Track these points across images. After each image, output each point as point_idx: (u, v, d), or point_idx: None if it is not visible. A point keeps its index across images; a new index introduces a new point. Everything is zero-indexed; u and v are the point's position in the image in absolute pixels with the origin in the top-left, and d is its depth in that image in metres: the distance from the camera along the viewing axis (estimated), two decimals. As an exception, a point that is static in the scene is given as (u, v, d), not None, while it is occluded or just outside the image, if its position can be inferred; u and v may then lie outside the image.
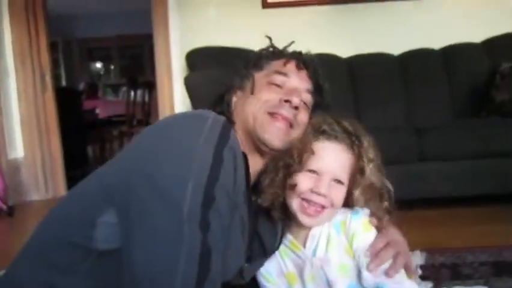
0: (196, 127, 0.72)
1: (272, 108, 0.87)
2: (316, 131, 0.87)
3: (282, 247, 0.91)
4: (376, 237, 0.82)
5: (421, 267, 1.57)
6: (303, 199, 0.82)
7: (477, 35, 2.87)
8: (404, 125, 2.64)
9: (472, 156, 2.29)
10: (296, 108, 0.87)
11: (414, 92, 2.75)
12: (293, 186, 0.84)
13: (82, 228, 0.72)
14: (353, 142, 0.85)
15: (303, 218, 0.84)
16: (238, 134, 0.84)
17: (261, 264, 0.91)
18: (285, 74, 0.91)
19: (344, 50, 2.90)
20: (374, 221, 0.85)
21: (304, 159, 0.84)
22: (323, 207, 0.82)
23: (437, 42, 2.88)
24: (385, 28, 3.00)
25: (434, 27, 2.96)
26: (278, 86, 0.91)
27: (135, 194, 0.68)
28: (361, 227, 0.82)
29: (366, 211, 0.85)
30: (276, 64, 0.94)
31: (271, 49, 0.98)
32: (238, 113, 0.91)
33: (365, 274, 0.80)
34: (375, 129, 2.57)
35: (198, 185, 0.67)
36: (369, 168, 0.83)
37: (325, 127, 0.86)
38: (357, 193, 0.83)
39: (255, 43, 1.09)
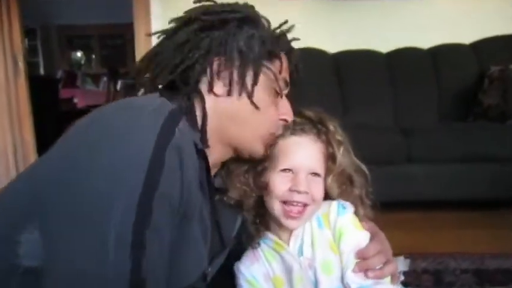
0: (131, 127, 0.60)
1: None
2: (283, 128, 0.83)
3: (265, 248, 0.86)
4: (370, 243, 0.79)
5: (404, 273, 1.55)
6: (284, 202, 0.79)
7: (466, 37, 2.85)
8: (391, 124, 2.64)
9: (458, 159, 2.28)
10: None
11: (402, 92, 2.75)
12: (266, 185, 0.81)
13: (5, 245, 0.61)
14: (319, 130, 0.83)
15: (288, 223, 0.80)
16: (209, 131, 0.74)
17: (221, 261, 0.85)
18: (284, 91, 0.81)
19: (331, 45, 2.87)
20: (366, 224, 0.82)
21: (273, 158, 0.80)
22: (305, 205, 0.79)
23: (425, 42, 2.87)
24: (374, 25, 2.98)
25: (424, 26, 2.94)
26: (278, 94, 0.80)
27: (55, 210, 0.58)
28: (350, 225, 0.79)
29: (351, 206, 0.83)
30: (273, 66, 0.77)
31: (273, 33, 0.78)
32: (222, 125, 0.75)
33: (350, 274, 0.76)
34: (362, 127, 2.59)
35: (129, 199, 0.56)
36: (340, 153, 0.82)
37: (289, 124, 0.83)
38: (329, 180, 0.81)
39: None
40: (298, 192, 0.78)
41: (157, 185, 0.57)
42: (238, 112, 0.74)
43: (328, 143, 0.82)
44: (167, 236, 0.61)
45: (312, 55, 2.76)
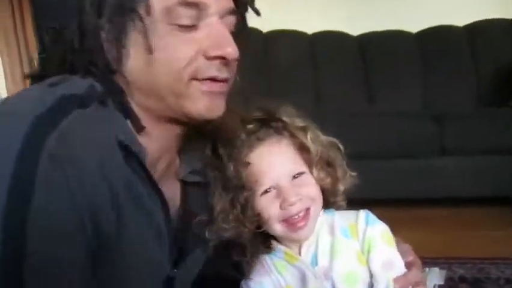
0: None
1: (199, 74, 0.64)
2: (239, 147, 0.75)
3: (275, 259, 0.80)
4: (412, 271, 0.74)
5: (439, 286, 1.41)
6: (283, 221, 0.74)
7: (507, 11, 2.70)
8: (421, 111, 2.53)
9: (497, 151, 2.17)
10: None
11: (434, 75, 2.64)
12: (257, 214, 0.75)
13: None
14: (276, 128, 0.76)
15: (298, 235, 0.75)
16: (137, 101, 0.64)
17: (200, 257, 0.78)
18: (195, 5, 0.62)
19: (355, 28, 2.78)
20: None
21: (248, 183, 0.73)
22: (307, 209, 0.74)
23: (460, 19, 2.74)
24: (402, 3, 2.86)
25: (458, 1, 2.82)
26: (190, 27, 0.63)
27: None
28: (379, 238, 0.75)
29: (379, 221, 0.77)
30: None
31: None
32: (134, 83, 0.64)
33: None
34: (388, 115, 2.41)
35: None
36: (309, 140, 0.76)
37: (242, 136, 0.76)
38: (315, 173, 0.76)
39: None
40: (291, 205, 0.73)
41: (29, 198, 0.50)
42: (143, 67, 0.61)
43: (292, 136, 0.76)
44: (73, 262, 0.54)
45: (334, 39, 2.71)
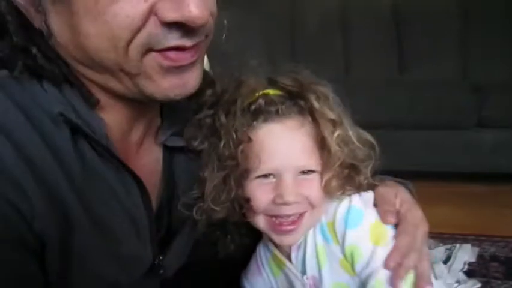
0: None
1: (155, 44, 0.49)
2: (248, 115, 0.62)
3: (269, 258, 0.73)
4: (400, 242, 0.61)
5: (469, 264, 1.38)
6: (270, 216, 0.64)
7: None
8: (459, 81, 2.42)
9: None
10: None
11: (474, 41, 2.50)
12: (247, 200, 0.63)
13: None
14: (301, 108, 0.63)
15: (281, 239, 0.65)
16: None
17: (188, 241, 0.67)
18: None
19: None
20: (390, 219, 0.63)
21: (246, 160, 0.61)
22: (301, 214, 0.63)
23: None
24: None
25: None
26: None
27: None
28: (366, 241, 0.62)
29: (368, 205, 0.65)
30: None
31: None
32: (71, 55, 0.53)
33: None
34: (422, 84, 2.32)
35: None
36: (335, 138, 0.62)
37: (258, 104, 0.62)
38: (327, 178, 0.63)
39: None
40: (286, 204, 0.61)
41: None
42: (70, 35, 0.49)
43: (316, 125, 0.62)
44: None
45: (366, 0, 2.58)
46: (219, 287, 0.76)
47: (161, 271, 0.63)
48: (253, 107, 0.62)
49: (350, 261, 0.63)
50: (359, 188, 0.65)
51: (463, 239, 1.47)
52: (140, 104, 0.58)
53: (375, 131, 0.67)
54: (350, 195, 0.65)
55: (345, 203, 0.64)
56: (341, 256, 0.64)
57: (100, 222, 0.54)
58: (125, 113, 0.58)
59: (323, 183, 0.63)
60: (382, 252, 0.60)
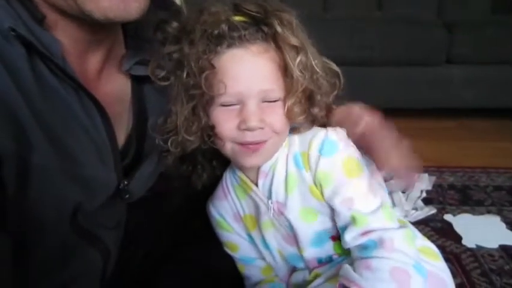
0: None
1: None
2: (211, 42, 0.60)
3: (235, 183, 0.73)
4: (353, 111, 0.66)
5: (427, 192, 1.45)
6: (236, 143, 0.64)
7: None
8: (434, 18, 2.36)
9: (509, 61, 2.06)
10: None
11: None
12: (212, 127, 0.63)
13: None
14: (265, 34, 0.61)
15: (245, 161, 0.65)
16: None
17: (155, 168, 0.68)
18: None
19: None
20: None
21: (211, 86, 0.59)
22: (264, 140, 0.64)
23: None
24: None
25: None
26: None
27: None
28: (336, 170, 0.63)
29: (343, 139, 0.65)
30: None
31: None
32: None
33: (348, 237, 0.63)
34: (398, 21, 2.24)
35: None
36: (297, 64, 0.61)
37: (221, 29, 0.59)
38: (290, 104, 0.62)
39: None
40: (250, 130, 0.61)
41: None
42: None
43: (280, 51, 0.61)
44: None
45: None
46: (185, 215, 0.78)
47: (127, 195, 0.63)
48: (216, 32, 0.60)
49: (319, 187, 0.64)
50: (320, 111, 0.66)
51: (425, 170, 1.51)
52: (93, 27, 0.56)
53: (346, 67, 0.67)
54: (312, 121, 0.66)
55: (321, 134, 0.64)
56: (311, 183, 0.65)
57: (60, 143, 0.53)
58: (79, 35, 0.57)
59: (286, 109, 0.62)
60: (356, 182, 0.63)
